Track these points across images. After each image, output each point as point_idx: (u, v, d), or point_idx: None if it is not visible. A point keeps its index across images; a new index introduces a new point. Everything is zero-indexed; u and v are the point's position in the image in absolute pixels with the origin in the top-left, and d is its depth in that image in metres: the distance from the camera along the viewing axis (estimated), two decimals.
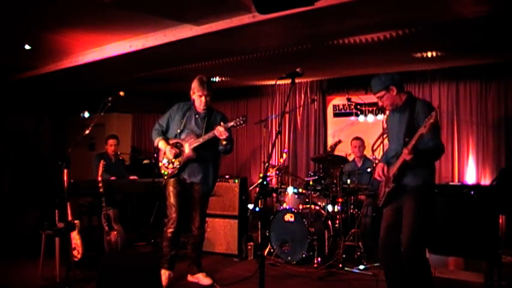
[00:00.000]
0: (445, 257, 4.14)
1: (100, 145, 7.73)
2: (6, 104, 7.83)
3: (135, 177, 5.64)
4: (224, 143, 3.98)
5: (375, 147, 5.58)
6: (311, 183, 5.23)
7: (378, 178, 3.31)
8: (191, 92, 4.12)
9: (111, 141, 5.88)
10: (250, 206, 5.50)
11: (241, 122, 3.91)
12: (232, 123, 3.92)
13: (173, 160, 4.07)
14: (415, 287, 3.13)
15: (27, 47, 5.36)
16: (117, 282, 2.93)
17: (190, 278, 4.22)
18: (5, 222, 5.67)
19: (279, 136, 7.78)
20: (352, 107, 6.82)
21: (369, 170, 5.40)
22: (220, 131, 3.87)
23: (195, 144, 4.01)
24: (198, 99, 4.07)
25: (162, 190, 4.24)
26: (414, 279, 3.11)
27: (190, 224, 4.16)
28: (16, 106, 8.09)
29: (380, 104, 3.34)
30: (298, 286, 4.25)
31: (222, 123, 3.93)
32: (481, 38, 4.81)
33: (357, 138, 5.97)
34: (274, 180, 6.24)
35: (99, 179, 4.76)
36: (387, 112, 3.52)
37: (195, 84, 4.08)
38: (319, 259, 4.73)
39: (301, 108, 7.71)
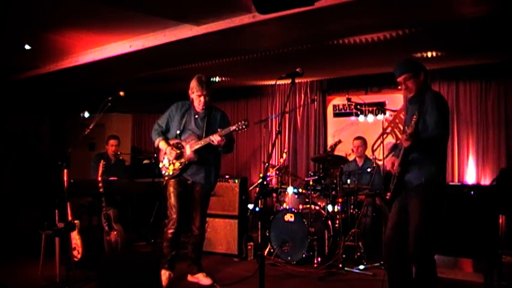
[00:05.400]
0: (445, 257, 4.13)
1: (100, 145, 7.73)
2: (7, 104, 7.83)
3: (114, 178, 5.56)
4: (220, 148, 3.98)
5: (375, 147, 5.58)
6: (311, 183, 5.22)
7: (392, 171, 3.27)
8: (190, 92, 4.06)
9: (112, 142, 5.86)
10: (250, 206, 5.50)
11: (243, 127, 3.83)
12: (234, 127, 3.86)
13: (174, 161, 4.05)
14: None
15: (27, 47, 5.36)
16: (117, 282, 2.93)
17: (190, 278, 4.21)
18: (5, 222, 5.66)
19: (279, 136, 7.78)
20: (352, 107, 6.81)
21: (369, 170, 5.39)
22: (216, 140, 3.83)
23: (196, 147, 3.97)
24: (197, 99, 4.02)
25: (162, 190, 4.23)
26: (421, 280, 3.07)
27: (191, 224, 4.15)
28: (16, 106, 8.08)
29: (403, 88, 3.24)
30: (298, 286, 4.25)
31: (218, 130, 3.85)
32: (481, 38, 4.81)
33: (358, 138, 5.87)
34: (274, 180, 6.24)
35: (99, 179, 4.76)
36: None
37: (193, 84, 4.01)
38: (319, 259, 4.73)
39: (301, 108, 7.71)
